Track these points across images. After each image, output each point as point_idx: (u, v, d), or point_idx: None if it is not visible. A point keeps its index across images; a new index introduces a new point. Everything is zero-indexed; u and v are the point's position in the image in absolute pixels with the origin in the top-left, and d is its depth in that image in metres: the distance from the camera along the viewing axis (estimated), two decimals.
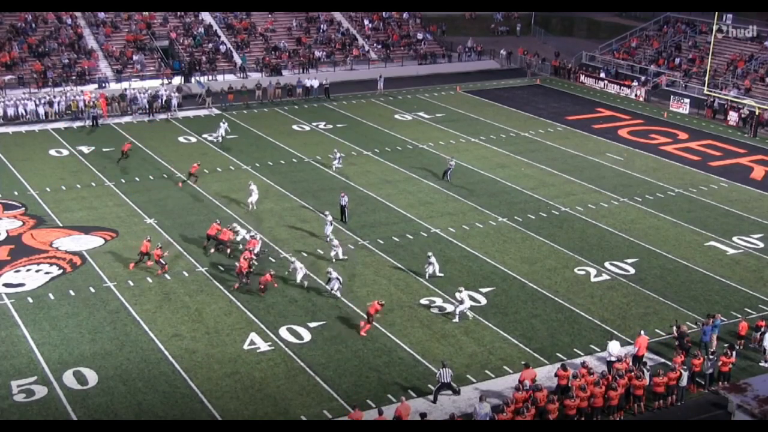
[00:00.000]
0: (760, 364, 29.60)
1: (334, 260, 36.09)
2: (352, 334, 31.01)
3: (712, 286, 35.30)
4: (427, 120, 58.32)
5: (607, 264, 36.74)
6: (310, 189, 44.64)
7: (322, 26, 74.21)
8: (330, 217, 38.25)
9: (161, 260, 34.97)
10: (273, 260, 36.51)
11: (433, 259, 35.25)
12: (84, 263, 35.83)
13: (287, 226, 40.08)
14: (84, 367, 28.44)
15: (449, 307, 32.77)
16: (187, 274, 35.06)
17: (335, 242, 36.92)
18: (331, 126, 56.28)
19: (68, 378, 27.83)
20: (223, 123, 53.30)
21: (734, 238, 39.77)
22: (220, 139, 52.23)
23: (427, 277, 34.99)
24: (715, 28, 62.74)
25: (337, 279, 33.48)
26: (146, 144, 51.74)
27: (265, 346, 30.06)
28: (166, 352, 29.49)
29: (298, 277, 34.41)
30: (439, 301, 33.37)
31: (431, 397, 27.35)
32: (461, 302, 31.97)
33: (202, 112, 59.35)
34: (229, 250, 36.96)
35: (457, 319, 31.84)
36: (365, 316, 31.36)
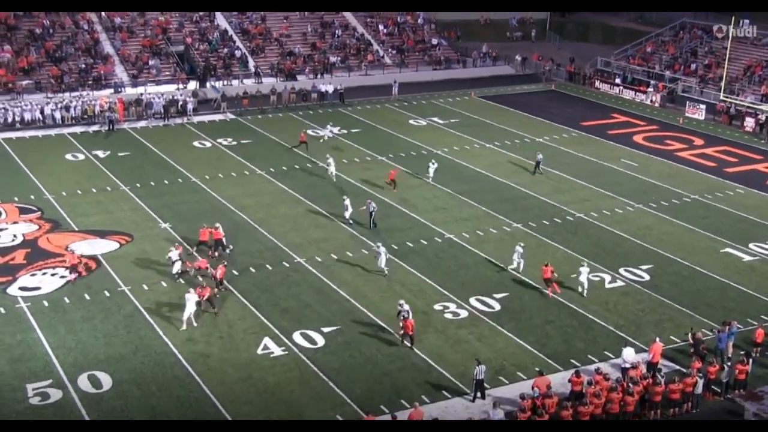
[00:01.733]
0: None
1: (383, 270, 35.81)
2: (366, 339, 31.00)
3: (727, 293, 35.09)
4: (442, 125, 58.30)
5: (621, 270, 36.59)
6: (325, 194, 44.68)
7: (336, 31, 74.34)
8: (383, 248, 36.16)
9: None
10: (287, 264, 36.57)
11: (347, 203, 39.29)
12: (99, 267, 35.97)
13: (302, 231, 40.13)
14: (98, 370, 28.54)
15: (463, 313, 32.71)
16: (200, 279, 35.13)
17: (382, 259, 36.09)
18: (345, 131, 56.35)
19: (83, 381, 27.93)
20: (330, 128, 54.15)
21: (750, 245, 39.53)
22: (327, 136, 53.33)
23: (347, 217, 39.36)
24: (731, 31, 62.39)
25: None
26: (161, 148, 51.95)
27: (279, 351, 30.08)
28: (180, 356, 29.56)
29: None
30: (453, 307, 33.32)
31: (469, 396, 27.61)
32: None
33: (217, 117, 59.55)
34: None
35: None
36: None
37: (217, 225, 37.93)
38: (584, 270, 34.51)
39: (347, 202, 40.62)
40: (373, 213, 40.27)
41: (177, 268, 34.93)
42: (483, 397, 27.60)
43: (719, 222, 42.27)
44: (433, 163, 47.10)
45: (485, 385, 27.68)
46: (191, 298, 31.49)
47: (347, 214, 40.45)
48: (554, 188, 46.27)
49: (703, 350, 29.22)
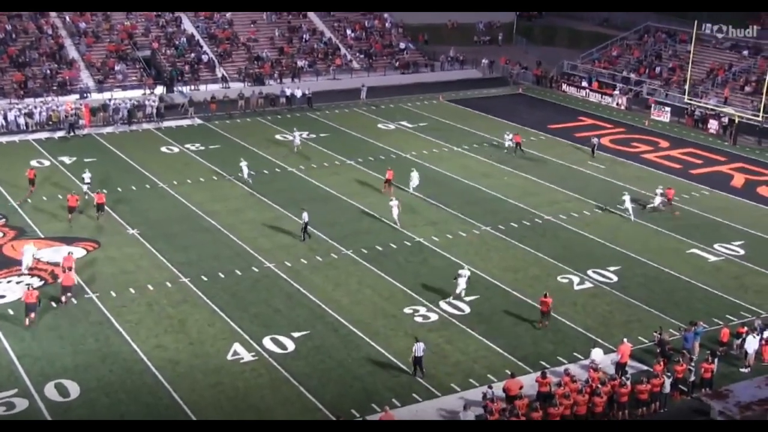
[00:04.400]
0: (741, 370, 29.74)
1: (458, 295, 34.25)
2: (336, 343, 30.97)
3: (694, 293, 35.49)
4: (411, 129, 58.41)
5: (590, 272, 36.85)
6: (294, 198, 44.56)
7: (304, 36, 74.27)
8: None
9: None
10: (256, 270, 36.44)
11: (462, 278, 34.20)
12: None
13: (271, 236, 39.99)
14: (66, 379, 28.22)
15: (433, 317, 32.78)
16: (170, 285, 34.91)
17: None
18: (314, 136, 56.27)
19: (50, 390, 27.60)
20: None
21: (715, 245, 40.01)
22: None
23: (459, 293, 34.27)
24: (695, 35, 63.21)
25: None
26: (128, 154, 51.54)
27: (249, 357, 29.95)
28: (149, 363, 29.32)
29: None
30: (423, 310, 33.37)
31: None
32: None
33: (185, 122, 59.21)
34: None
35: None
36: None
37: (104, 190, 40.98)
38: (627, 197, 42.02)
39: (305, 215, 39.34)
40: (307, 224, 39.48)
41: (27, 262, 35.62)
42: (423, 374, 28.70)
43: (685, 223, 42.74)
44: (413, 172, 46.39)
45: (422, 363, 28.84)
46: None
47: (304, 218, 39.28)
48: (523, 191, 46.52)
49: (668, 350, 29.51)
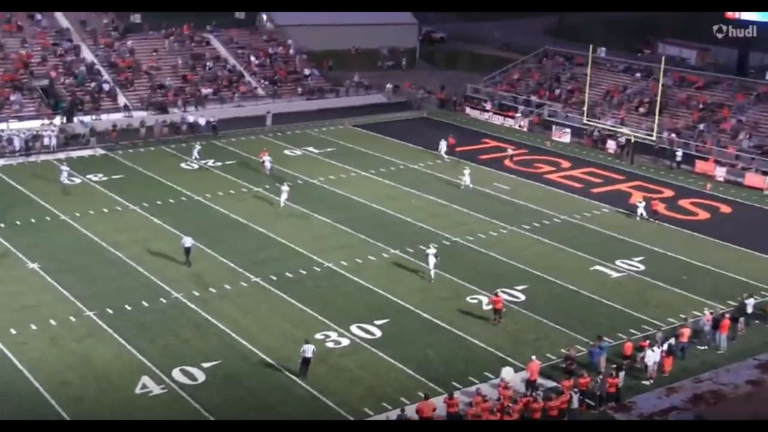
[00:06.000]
0: (643, 382, 30.58)
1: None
2: (248, 372, 30.64)
3: (598, 309, 36.39)
4: (317, 155, 58.45)
5: (498, 292, 37.37)
6: (201, 228, 43.99)
7: (208, 64, 73.68)
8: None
9: None
10: (164, 300, 35.80)
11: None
12: None
13: (178, 266, 39.34)
14: None
15: (344, 341, 32.73)
16: (74, 319, 33.98)
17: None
18: (220, 163, 55.76)
19: None
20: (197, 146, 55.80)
21: (617, 262, 41.15)
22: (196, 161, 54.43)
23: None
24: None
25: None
26: (26, 186, 50.05)
27: (158, 389, 29.35)
28: (53, 402, 28.42)
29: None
30: (334, 335, 33.30)
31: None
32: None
33: (86, 152, 57.90)
34: None
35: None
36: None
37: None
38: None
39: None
40: (190, 249, 39.40)
41: None
42: (305, 377, 29.86)
43: (588, 241, 43.86)
44: (283, 186, 47.87)
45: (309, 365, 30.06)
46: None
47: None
48: (429, 213, 47.03)
49: (570, 366, 30.11)
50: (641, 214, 46.96)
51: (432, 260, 38.18)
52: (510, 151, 52.57)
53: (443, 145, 55.44)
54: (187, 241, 39.53)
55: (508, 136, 65.07)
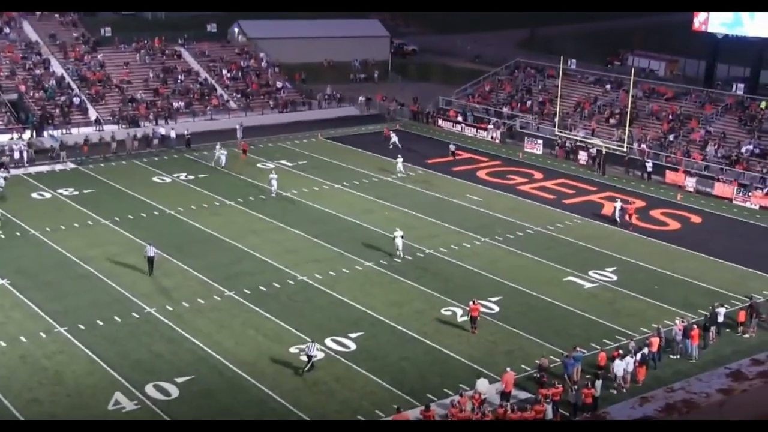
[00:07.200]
0: (610, 391, 30.69)
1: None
2: (222, 386, 30.44)
3: (571, 320, 36.55)
4: (290, 168, 58.35)
5: (475, 300, 37.42)
6: (174, 242, 43.74)
7: (179, 77, 73.43)
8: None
9: None
10: (137, 315, 35.50)
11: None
12: None
13: (150, 280, 39.05)
14: None
15: (319, 355, 32.64)
16: (44, 335, 33.60)
17: None
18: (192, 177, 55.52)
19: None
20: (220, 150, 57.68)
21: (590, 272, 41.38)
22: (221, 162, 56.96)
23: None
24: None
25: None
26: None
27: (131, 405, 29.07)
28: (23, 419, 28.02)
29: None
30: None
31: None
32: None
33: (56, 167, 57.41)
34: None
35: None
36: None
37: None
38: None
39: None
40: (153, 258, 39.43)
41: None
42: (303, 372, 31.01)
43: (561, 252, 44.08)
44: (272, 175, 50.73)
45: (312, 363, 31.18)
46: None
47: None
48: (403, 226, 46.96)
49: (542, 378, 30.19)
50: (617, 216, 47.86)
51: (399, 242, 41.98)
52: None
53: (400, 163, 56.50)
54: (150, 251, 39.42)
55: (480, 148, 65.36)
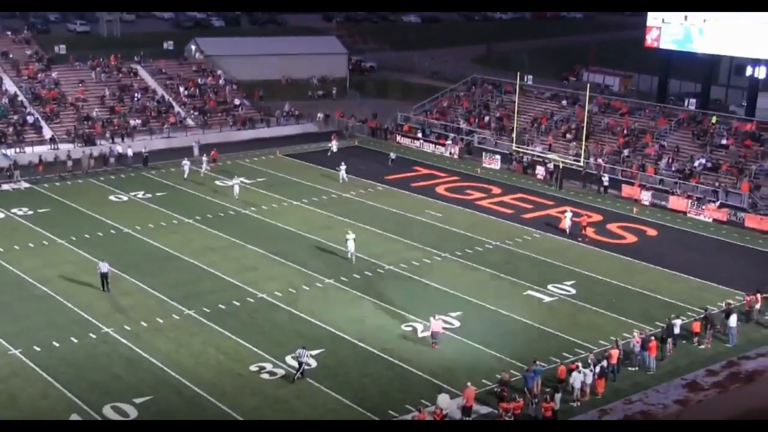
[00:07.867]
0: (570, 404, 30.94)
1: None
2: (182, 406, 30.14)
3: (531, 333, 36.79)
4: (249, 185, 58.12)
5: (433, 319, 37.52)
6: (132, 260, 43.30)
7: (136, 94, 72.90)
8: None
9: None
10: (94, 336, 35.03)
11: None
12: None
13: (108, 300, 38.60)
14: None
15: (279, 372, 32.46)
16: None
17: None
18: (150, 195, 55.06)
19: None
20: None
21: (549, 286, 41.72)
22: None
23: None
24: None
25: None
26: None
27: None
28: None
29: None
30: (269, 367, 33.00)
31: None
32: None
33: (10, 186, 56.58)
34: None
35: None
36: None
37: None
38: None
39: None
40: (107, 275, 39.35)
41: None
42: (294, 379, 31.66)
43: (520, 266, 44.38)
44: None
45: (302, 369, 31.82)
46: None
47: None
48: (363, 242, 47.01)
49: (502, 392, 30.32)
50: (567, 226, 48.96)
51: (351, 245, 43.28)
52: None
53: (343, 170, 58.65)
54: (103, 267, 39.13)
55: (439, 164, 65.68)
